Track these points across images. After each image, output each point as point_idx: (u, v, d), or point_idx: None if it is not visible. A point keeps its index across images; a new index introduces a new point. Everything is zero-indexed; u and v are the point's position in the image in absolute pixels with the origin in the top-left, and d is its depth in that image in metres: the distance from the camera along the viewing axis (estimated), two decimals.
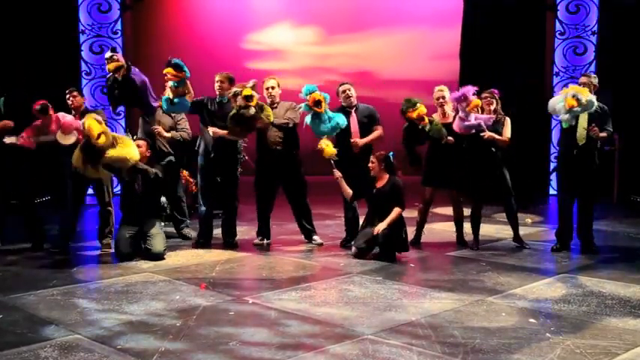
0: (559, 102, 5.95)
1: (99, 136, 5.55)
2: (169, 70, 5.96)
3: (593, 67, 10.23)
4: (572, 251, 6.31)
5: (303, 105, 6.16)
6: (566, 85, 6.32)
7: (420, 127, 6.20)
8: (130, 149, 5.78)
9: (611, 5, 10.14)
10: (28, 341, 3.73)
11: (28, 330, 3.93)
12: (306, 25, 12.66)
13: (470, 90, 6.12)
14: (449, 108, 6.38)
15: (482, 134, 6.13)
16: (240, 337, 3.82)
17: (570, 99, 5.82)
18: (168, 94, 6.11)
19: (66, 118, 6.02)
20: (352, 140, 6.27)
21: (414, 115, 6.16)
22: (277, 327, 4.04)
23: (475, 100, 6.12)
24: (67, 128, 5.93)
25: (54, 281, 5.06)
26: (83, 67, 10.13)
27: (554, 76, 10.43)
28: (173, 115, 6.64)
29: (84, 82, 10.00)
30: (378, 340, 3.79)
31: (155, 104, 6.36)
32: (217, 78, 6.34)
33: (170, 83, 6.06)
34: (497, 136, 6.18)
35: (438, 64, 11.74)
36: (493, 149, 6.23)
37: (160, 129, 6.49)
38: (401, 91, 6.54)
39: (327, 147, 6.10)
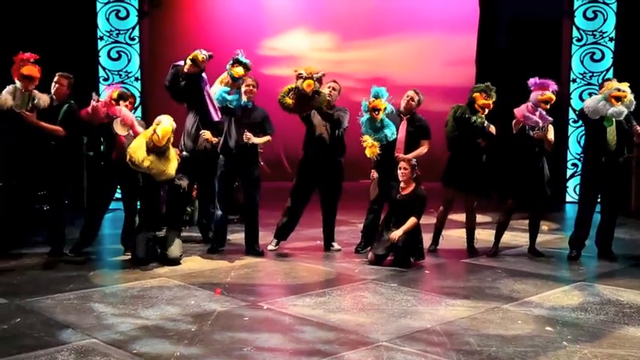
0: (600, 100, 5.85)
1: (165, 140, 5.75)
2: (240, 69, 6.11)
3: (610, 74, 10.14)
4: (589, 259, 6.26)
5: (364, 102, 6.15)
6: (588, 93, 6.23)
7: (472, 116, 6.12)
8: (171, 164, 5.89)
9: (629, 11, 10.05)
10: (45, 345, 3.76)
11: (45, 334, 3.96)
12: (321, 31, 12.68)
13: (551, 85, 6.07)
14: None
15: (534, 132, 6.07)
16: (254, 342, 3.82)
17: (617, 92, 5.77)
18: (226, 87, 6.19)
19: (127, 113, 6.06)
20: (396, 155, 6.23)
21: (481, 102, 6.08)
22: (292, 333, 4.04)
23: (549, 94, 6.01)
24: (126, 120, 5.98)
25: (71, 285, 5.09)
26: (101, 73, 10.24)
27: (571, 83, 10.36)
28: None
29: (101, 87, 10.09)
30: (393, 347, 3.77)
31: (215, 118, 6.34)
32: (249, 82, 6.32)
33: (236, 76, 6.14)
34: (547, 136, 6.10)
35: (453, 69, 11.70)
36: (537, 149, 6.16)
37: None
38: None
39: (372, 147, 6.05)
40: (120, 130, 5.97)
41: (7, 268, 5.67)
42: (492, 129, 6.23)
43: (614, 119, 5.89)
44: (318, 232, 6.80)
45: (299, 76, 6.04)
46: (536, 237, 6.48)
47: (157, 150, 5.77)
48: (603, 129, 5.98)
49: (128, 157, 5.76)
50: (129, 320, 4.24)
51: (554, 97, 6.05)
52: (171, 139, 5.91)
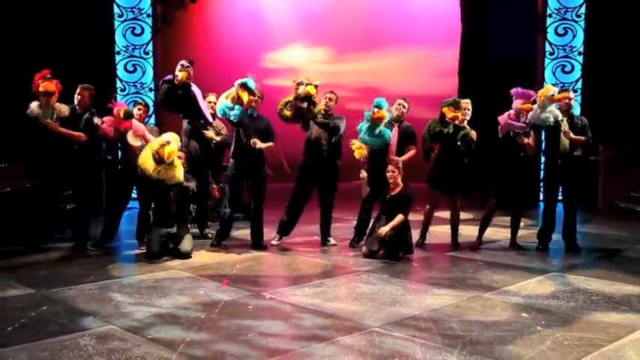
0: (536, 108, 5.94)
1: (169, 155, 5.75)
2: (245, 94, 5.99)
3: (579, 85, 10.20)
4: (560, 252, 6.29)
5: (366, 113, 6.18)
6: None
7: (444, 129, 6.11)
8: (178, 170, 5.89)
9: (596, 28, 10.10)
10: (68, 330, 3.78)
11: (68, 320, 3.98)
12: (318, 45, 12.68)
13: (533, 95, 6.09)
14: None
15: (517, 138, 6.09)
16: (258, 328, 3.84)
17: (556, 95, 5.91)
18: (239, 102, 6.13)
19: (138, 125, 6.20)
20: (390, 157, 6.23)
21: (450, 115, 6.07)
22: (292, 320, 4.05)
23: (529, 105, 6.03)
24: (137, 132, 6.12)
25: (91, 277, 5.11)
26: (118, 84, 10.25)
27: None
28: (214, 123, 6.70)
29: (118, 98, 10.09)
30: (384, 332, 3.80)
31: (210, 120, 6.52)
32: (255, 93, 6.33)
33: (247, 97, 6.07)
34: (530, 142, 6.14)
35: (439, 81, 11.71)
36: (522, 154, 6.18)
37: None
38: None
39: (360, 149, 6.09)
40: (132, 141, 6.11)
41: (33, 262, 5.68)
42: (473, 134, 6.25)
43: (549, 123, 5.92)
44: (316, 228, 6.80)
45: (300, 84, 6.13)
46: (517, 233, 6.51)
47: (163, 161, 5.80)
48: (557, 134, 6.04)
49: (139, 169, 5.82)
50: (144, 309, 4.25)
51: (529, 107, 6.06)
52: (176, 154, 5.90)
